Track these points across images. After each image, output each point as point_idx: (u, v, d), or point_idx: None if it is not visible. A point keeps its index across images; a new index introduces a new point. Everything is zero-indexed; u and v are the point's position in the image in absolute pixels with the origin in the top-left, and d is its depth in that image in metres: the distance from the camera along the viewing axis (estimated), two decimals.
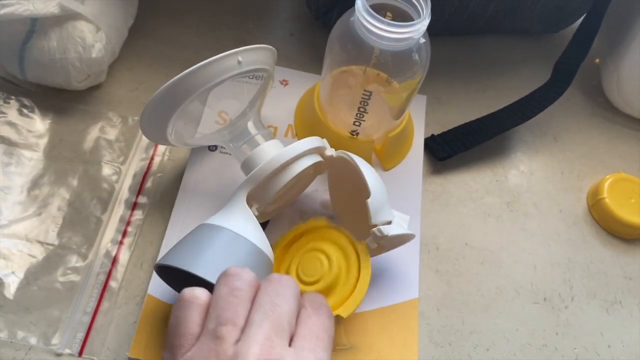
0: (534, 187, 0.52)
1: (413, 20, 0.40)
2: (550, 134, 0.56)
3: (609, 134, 0.57)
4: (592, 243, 0.50)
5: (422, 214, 0.48)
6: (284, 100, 0.52)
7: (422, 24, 0.39)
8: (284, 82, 0.54)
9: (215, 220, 0.39)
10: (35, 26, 0.46)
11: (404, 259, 0.45)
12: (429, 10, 0.39)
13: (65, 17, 0.46)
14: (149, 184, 0.47)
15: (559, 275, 0.48)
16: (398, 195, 0.48)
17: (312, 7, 0.57)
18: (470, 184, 0.51)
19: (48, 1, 0.45)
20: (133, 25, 0.54)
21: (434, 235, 0.48)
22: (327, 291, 0.39)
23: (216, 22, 0.58)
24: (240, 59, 0.40)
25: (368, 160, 0.49)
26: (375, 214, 0.39)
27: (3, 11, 0.43)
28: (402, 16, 0.41)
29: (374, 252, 0.42)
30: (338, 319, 0.39)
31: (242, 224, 0.38)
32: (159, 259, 0.39)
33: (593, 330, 0.45)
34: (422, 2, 0.40)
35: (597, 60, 0.60)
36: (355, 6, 0.39)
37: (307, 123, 0.50)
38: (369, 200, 0.39)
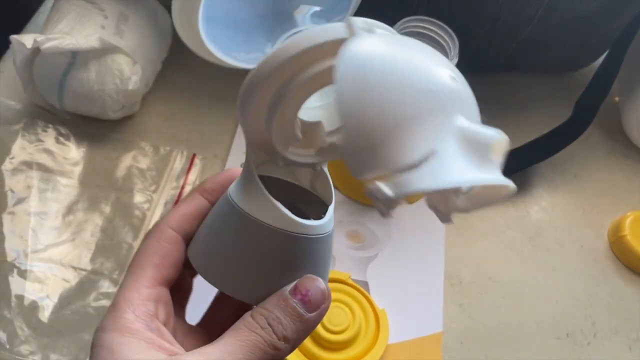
0: (555, 222, 0.53)
1: None
2: (571, 171, 0.57)
3: (629, 172, 0.58)
4: (613, 279, 0.50)
5: (445, 247, 0.49)
6: None
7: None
8: None
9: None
10: (75, 59, 0.48)
11: (429, 292, 0.46)
12: (457, 50, 0.41)
13: (105, 50, 0.48)
14: None
15: (580, 311, 0.48)
16: (422, 228, 0.49)
17: None
18: (493, 219, 0.52)
19: (89, 35, 0.47)
20: (166, 58, 0.56)
21: (458, 268, 0.49)
22: (351, 341, 0.42)
23: None
24: None
25: None
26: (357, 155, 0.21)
27: (48, 45, 0.45)
28: None
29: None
30: None
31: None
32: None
33: None
34: (449, 42, 0.41)
35: (617, 99, 0.61)
36: None
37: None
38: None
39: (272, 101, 0.23)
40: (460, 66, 0.45)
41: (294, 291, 0.25)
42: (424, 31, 0.42)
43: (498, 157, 0.20)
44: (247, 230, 0.25)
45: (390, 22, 0.43)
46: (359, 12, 0.53)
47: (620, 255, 0.51)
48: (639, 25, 0.52)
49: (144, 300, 0.25)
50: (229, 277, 0.27)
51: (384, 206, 0.20)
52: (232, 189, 0.27)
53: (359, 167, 0.20)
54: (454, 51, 0.41)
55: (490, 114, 0.58)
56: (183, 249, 0.28)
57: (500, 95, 0.61)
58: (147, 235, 0.27)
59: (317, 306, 0.25)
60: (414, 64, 0.21)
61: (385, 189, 0.20)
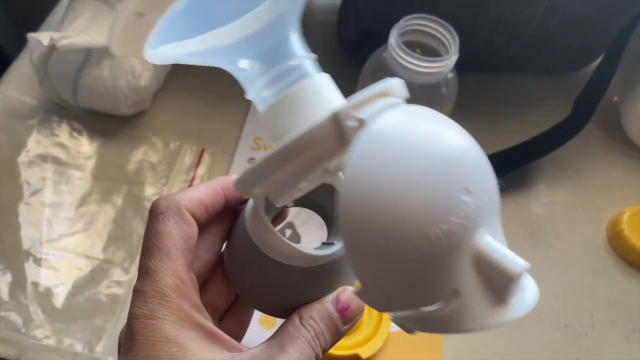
0: (555, 217, 0.54)
1: (441, 56, 0.43)
2: (571, 167, 0.58)
3: (628, 168, 0.59)
4: (612, 273, 0.51)
5: None
6: None
7: (450, 60, 0.42)
8: None
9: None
10: (90, 56, 0.50)
11: None
12: (457, 46, 0.42)
13: None
14: None
15: (579, 303, 0.49)
16: None
17: (343, 44, 0.60)
18: None
19: (103, 33, 0.49)
20: None
21: None
22: (353, 329, 0.43)
23: None
24: None
25: None
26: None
27: (63, 42, 0.47)
28: (430, 52, 0.44)
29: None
30: (358, 359, 0.42)
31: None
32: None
33: (613, 358, 0.47)
34: (450, 39, 0.43)
35: (616, 98, 0.62)
36: (389, 42, 0.43)
37: None
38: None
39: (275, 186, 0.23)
40: (461, 66, 0.46)
41: (337, 305, 0.25)
42: (425, 29, 0.44)
43: (517, 283, 0.19)
44: (265, 265, 0.25)
45: (394, 21, 0.44)
46: (363, 12, 0.54)
47: (618, 249, 0.52)
48: (635, 26, 0.54)
49: (190, 287, 0.24)
50: (258, 297, 0.27)
51: (408, 331, 0.21)
52: (247, 218, 0.26)
53: (381, 306, 0.21)
54: (454, 48, 0.43)
55: (493, 111, 0.60)
56: (197, 235, 0.26)
57: (501, 95, 0.63)
58: (164, 214, 0.25)
59: (352, 319, 0.26)
60: (419, 193, 0.19)
61: (410, 324, 0.20)
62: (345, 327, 0.26)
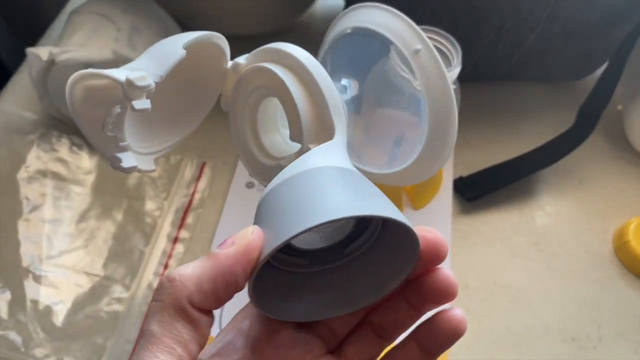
0: (560, 227, 0.54)
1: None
2: (575, 177, 0.57)
3: (633, 178, 0.58)
4: (618, 283, 0.51)
5: (451, 253, 0.50)
6: None
7: (453, 72, 0.42)
8: None
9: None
10: None
11: None
12: (460, 58, 0.42)
13: (117, 62, 0.49)
14: (190, 219, 0.50)
15: (586, 315, 0.49)
16: None
17: None
18: (498, 224, 0.53)
19: (103, 48, 0.48)
20: None
21: (464, 274, 0.49)
22: None
23: None
24: None
25: (399, 200, 0.51)
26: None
27: (62, 57, 0.47)
28: None
29: None
30: None
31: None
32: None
33: None
34: (452, 51, 0.43)
35: (620, 107, 0.62)
36: (391, 56, 0.42)
37: None
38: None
39: None
40: (464, 75, 0.46)
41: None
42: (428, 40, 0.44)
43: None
44: None
45: None
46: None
47: (625, 260, 0.51)
48: (639, 35, 0.53)
49: None
50: None
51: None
52: None
53: None
54: (457, 60, 0.42)
55: (496, 121, 0.60)
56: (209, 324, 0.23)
57: (504, 104, 0.62)
58: (162, 308, 0.21)
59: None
60: None
61: None
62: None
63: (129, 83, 0.23)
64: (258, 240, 0.22)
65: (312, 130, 0.28)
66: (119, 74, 0.24)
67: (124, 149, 0.27)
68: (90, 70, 0.25)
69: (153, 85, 0.24)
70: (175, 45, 0.26)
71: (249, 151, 0.32)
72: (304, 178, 0.24)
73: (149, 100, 0.24)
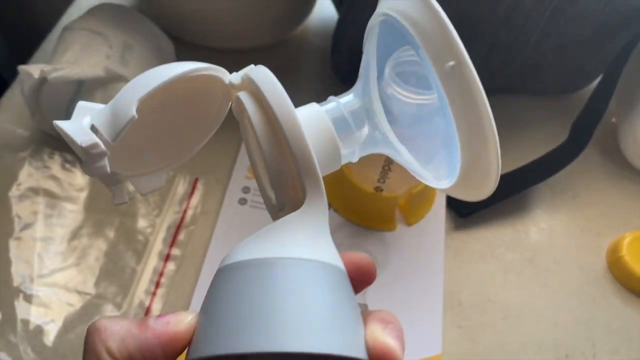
0: (554, 243, 0.53)
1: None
2: (569, 192, 0.57)
3: (627, 192, 0.58)
4: (612, 300, 0.51)
5: (445, 270, 0.50)
6: None
7: None
8: None
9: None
10: (82, 87, 0.49)
11: (428, 314, 0.46)
12: None
13: (110, 79, 0.49)
14: (181, 236, 0.50)
15: (580, 332, 0.48)
16: (421, 249, 0.50)
17: (337, 70, 0.60)
18: (492, 240, 0.53)
19: (95, 65, 0.48)
20: None
21: (457, 290, 0.49)
22: None
23: None
24: None
25: (391, 215, 0.51)
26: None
27: (54, 74, 0.47)
28: (426, 82, 0.44)
29: None
30: None
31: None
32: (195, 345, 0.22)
33: None
34: None
35: (614, 120, 0.62)
36: (384, 75, 0.42)
37: (330, 177, 0.53)
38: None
39: None
40: None
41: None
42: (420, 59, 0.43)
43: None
44: None
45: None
46: (357, 38, 0.54)
47: (619, 276, 0.51)
48: (633, 49, 0.53)
49: None
50: None
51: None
52: None
53: None
54: None
55: None
56: None
57: (497, 118, 0.62)
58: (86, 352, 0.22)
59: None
60: None
61: None
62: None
63: (84, 150, 0.22)
64: (186, 333, 0.22)
65: (283, 186, 0.24)
66: (81, 134, 0.22)
67: (117, 182, 0.26)
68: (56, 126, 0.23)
69: (105, 149, 0.22)
70: (130, 104, 0.22)
71: (259, 177, 0.29)
72: (264, 270, 0.21)
73: (106, 163, 0.22)
